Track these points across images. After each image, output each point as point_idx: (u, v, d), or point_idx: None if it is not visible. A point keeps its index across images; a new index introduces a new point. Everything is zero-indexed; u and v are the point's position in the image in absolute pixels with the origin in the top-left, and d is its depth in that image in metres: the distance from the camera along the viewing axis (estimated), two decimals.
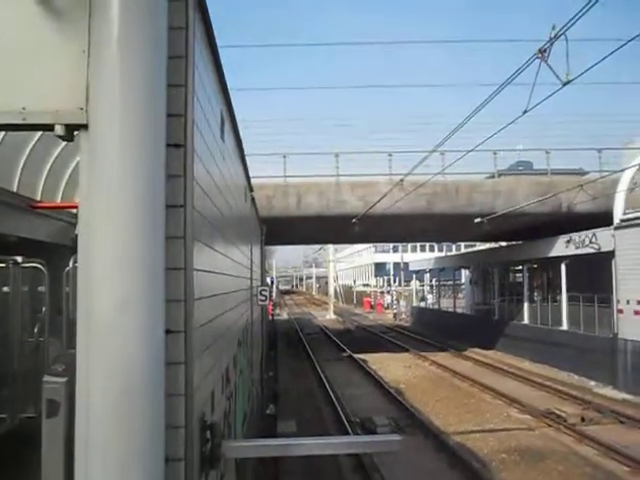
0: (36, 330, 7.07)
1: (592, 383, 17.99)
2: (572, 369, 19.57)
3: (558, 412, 14.06)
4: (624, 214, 17.61)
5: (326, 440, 3.99)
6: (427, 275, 43.09)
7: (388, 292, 62.15)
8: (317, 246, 63.53)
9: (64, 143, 5.84)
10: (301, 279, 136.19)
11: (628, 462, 10.55)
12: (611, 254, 17.84)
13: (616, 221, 17.78)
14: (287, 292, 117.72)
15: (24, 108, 2.44)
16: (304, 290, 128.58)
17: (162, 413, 2.35)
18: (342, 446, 3.99)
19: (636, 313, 16.76)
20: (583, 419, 13.63)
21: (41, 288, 7.14)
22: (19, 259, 6.70)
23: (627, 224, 17.35)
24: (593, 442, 11.82)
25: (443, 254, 45.81)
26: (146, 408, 2.26)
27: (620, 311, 17.47)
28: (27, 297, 7.12)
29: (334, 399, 16.16)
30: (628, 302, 17.10)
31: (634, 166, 17.50)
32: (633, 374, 16.67)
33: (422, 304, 44.78)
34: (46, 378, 3.05)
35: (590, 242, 19.02)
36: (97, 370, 2.24)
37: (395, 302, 52.66)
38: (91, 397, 2.24)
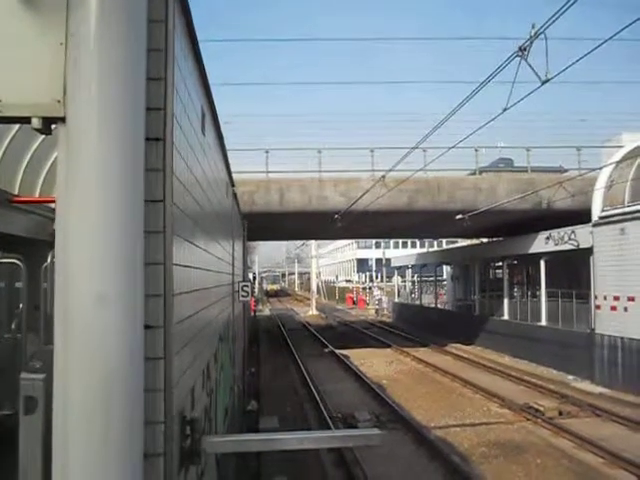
0: (13, 326, 6.97)
1: (570, 377, 18.30)
2: (551, 364, 19.87)
3: (536, 406, 14.28)
4: (602, 211, 17.89)
5: (307, 435, 4.00)
6: (409, 271, 43.35)
7: (370, 288, 62.43)
8: (300, 242, 63.52)
9: (43, 136, 5.77)
10: (284, 275, 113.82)
11: (603, 454, 10.76)
12: (589, 251, 18.13)
13: (594, 218, 18.06)
14: (275, 294, 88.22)
15: (0, 100, 2.40)
16: (295, 290, 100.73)
17: (141, 409, 2.34)
18: (323, 440, 4.00)
19: (613, 309, 17.07)
20: (561, 413, 13.87)
21: (18, 284, 7.03)
22: None
23: (605, 221, 17.64)
24: (570, 435, 12.04)
25: (425, 250, 46.12)
26: (125, 404, 2.25)
27: (598, 307, 17.77)
28: (4, 293, 7.02)
29: (316, 395, 16.19)
30: (605, 298, 17.41)
31: (612, 164, 17.80)
32: (609, 368, 16.99)
33: (398, 299, 45.08)
34: (23, 375, 3.01)
35: (569, 239, 19.30)
36: (75, 366, 2.21)
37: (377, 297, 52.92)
38: (69, 393, 2.22)
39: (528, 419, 13.69)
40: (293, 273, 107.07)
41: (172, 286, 2.70)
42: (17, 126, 6.14)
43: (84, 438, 2.20)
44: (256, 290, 43.60)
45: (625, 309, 16.55)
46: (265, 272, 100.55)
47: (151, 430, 2.48)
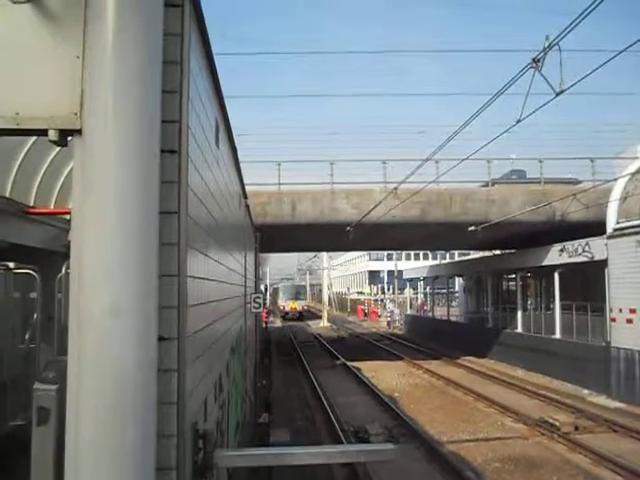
0: (27, 336, 7.01)
1: (585, 391, 18.00)
2: (565, 377, 19.58)
3: (552, 421, 14.05)
4: (617, 223, 17.70)
5: (319, 449, 3.96)
6: (421, 283, 43.12)
7: (382, 300, 62.16)
8: (311, 254, 63.42)
9: (58, 148, 5.82)
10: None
11: (621, 471, 10.54)
12: (604, 263, 17.91)
13: (609, 230, 17.87)
14: (298, 316, 56.83)
15: (18, 113, 2.43)
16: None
17: (154, 421, 2.33)
18: (336, 455, 3.95)
19: (628, 321, 16.81)
20: (576, 428, 13.62)
21: (33, 294, 7.08)
22: (11, 265, 6.66)
23: (620, 233, 17.44)
24: (586, 451, 11.81)
25: (437, 262, 45.89)
26: (138, 416, 2.24)
27: (613, 319, 17.52)
28: (19, 303, 7.07)
29: (327, 408, 16.08)
30: (621, 310, 17.16)
31: (626, 175, 17.64)
32: (626, 382, 16.70)
33: (410, 312, 44.90)
34: (37, 385, 3.01)
35: (583, 251, 19.10)
36: (88, 377, 2.21)
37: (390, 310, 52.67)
38: (82, 404, 2.21)
39: (543, 434, 13.47)
40: (304, 285, 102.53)
41: (186, 298, 2.69)
42: (33, 138, 6.21)
43: (96, 450, 2.19)
44: (267, 302, 42.96)
45: None
46: (280, 281, 72.46)
47: (164, 443, 2.46)
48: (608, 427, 13.76)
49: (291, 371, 23.96)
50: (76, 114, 2.39)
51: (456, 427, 14.38)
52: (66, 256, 2.49)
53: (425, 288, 42.85)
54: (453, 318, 35.06)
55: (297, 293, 59.85)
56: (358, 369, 23.56)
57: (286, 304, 58.11)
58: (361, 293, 76.54)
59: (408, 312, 45.68)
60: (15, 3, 2.40)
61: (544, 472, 10.87)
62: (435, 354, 28.12)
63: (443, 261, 46.66)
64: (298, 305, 57.86)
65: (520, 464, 11.38)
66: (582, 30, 6.49)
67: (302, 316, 57.07)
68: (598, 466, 11.08)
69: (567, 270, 20.77)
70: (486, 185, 21.09)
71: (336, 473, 10.65)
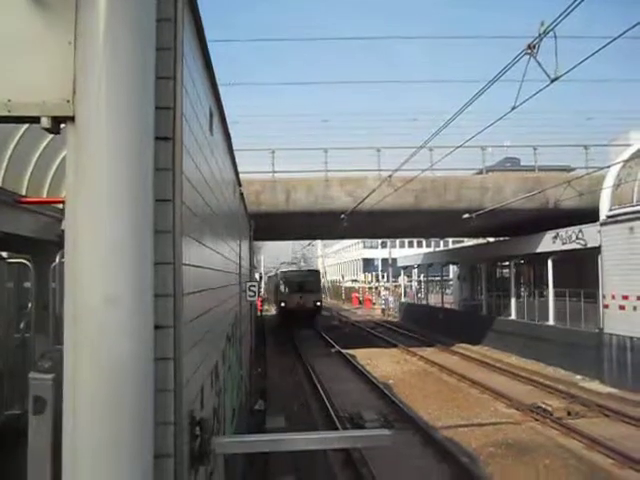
0: (22, 326, 7.00)
1: (578, 377, 18.18)
2: (559, 364, 19.76)
3: (545, 406, 14.20)
4: (610, 210, 17.77)
5: (316, 435, 3.98)
6: (415, 271, 43.27)
7: (376, 288, 62.35)
8: (305, 242, 63.41)
9: (51, 136, 5.77)
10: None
11: (613, 455, 10.67)
12: (597, 250, 18.01)
13: (602, 217, 17.93)
14: (310, 314, 36.66)
15: (9, 100, 2.40)
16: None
17: (151, 409, 2.33)
18: (332, 441, 3.98)
19: (621, 308, 16.95)
20: (569, 413, 13.77)
21: (27, 284, 7.06)
22: (4, 254, 6.63)
23: (613, 220, 17.51)
24: (579, 435, 11.95)
25: (431, 250, 46.03)
26: (135, 404, 2.24)
27: (606, 306, 17.65)
28: (13, 293, 7.04)
29: (323, 394, 16.18)
30: (613, 297, 17.28)
31: (619, 162, 17.68)
32: (618, 368, 16.87)
33: (404, 299, 45.14)
34: (32, 375, 3.01)
35: (577, 238, 19.18)
36: (84, 366, 2.21)
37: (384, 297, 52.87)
38: (78, 393, 2.21)
39: (536, 419, 13.60)
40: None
41: (182, 286, 2.68)
42: (25, 126, 6.15)
43: (94, 439, 2.20)
44: (262, 291, 40.85)
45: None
46: (279, 267, 50.97)
47: (161, 430, 2.47)
48: (600, 412, 13.90)
49: (286, 359, 24.05)
50: (69, 101, 2.36)
51: (450, 413, 14.50)
52: (59, 245, 2.47)
53: (419, 275, 42.95)
54: (447, 305, 35.23)
55: (302, 280, 38.59)
56: (353, 356, 23.68)
57: (288, 299, 37.72)
58: (355, 281, 76.70)
59: (402, 300, 45.87)
60: None
61: (537, 456, 11.00)
62: (429, 341, 28.28)
63: (437, 249, 46.82)
64: (307, 301, 37.19)
65: (513, 448, 11.51)
66: (577, 17, 6.48)
67: (312, 318, 37.18)
68: (590, 450, 11.22)
69: (560, 257, 20.87)
70: (480, 172, 21.09)
71: (331, 458, 10.73)
